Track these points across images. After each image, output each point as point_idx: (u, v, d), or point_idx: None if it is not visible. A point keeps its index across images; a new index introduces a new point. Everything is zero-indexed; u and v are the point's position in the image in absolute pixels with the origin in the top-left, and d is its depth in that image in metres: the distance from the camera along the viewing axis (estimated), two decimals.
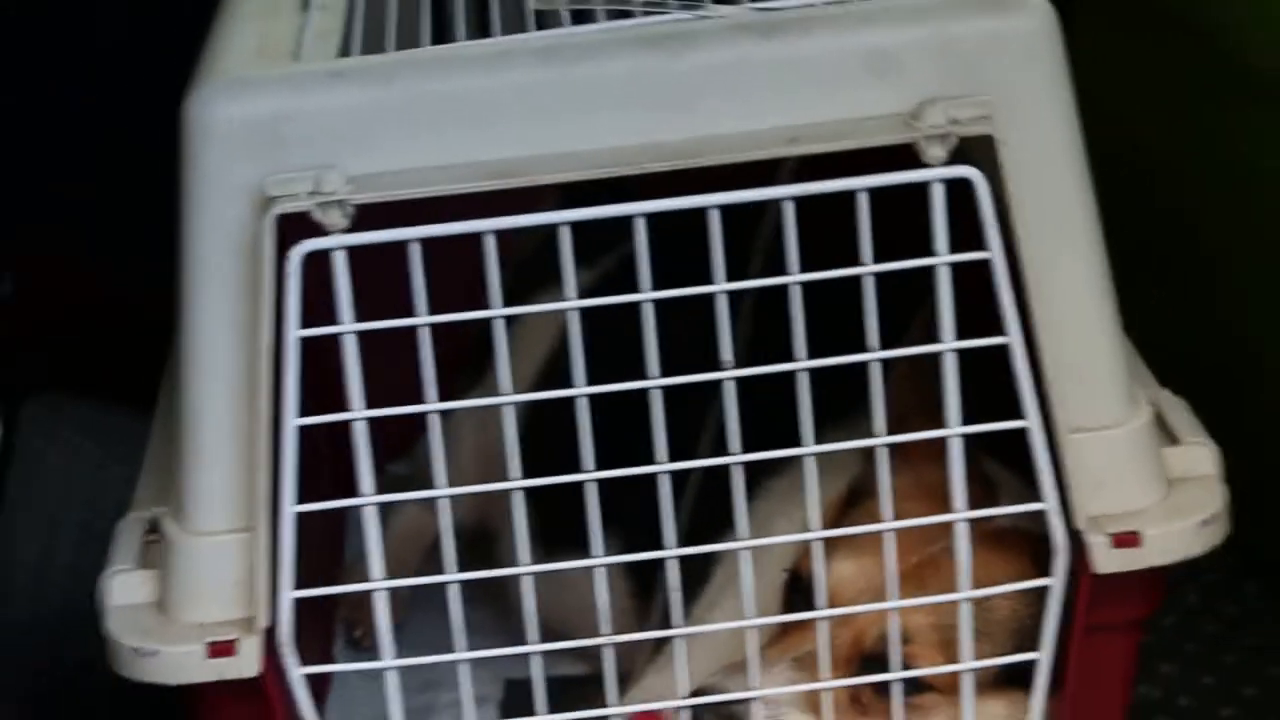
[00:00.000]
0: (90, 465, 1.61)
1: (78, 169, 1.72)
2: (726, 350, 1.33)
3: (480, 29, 1.41)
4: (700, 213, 1.30)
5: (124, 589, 1.39)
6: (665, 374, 1.33)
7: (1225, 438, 1.42)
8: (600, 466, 1.35)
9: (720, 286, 1.31)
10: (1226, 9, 1.67)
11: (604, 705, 1.43)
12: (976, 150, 1.31)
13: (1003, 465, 1.40)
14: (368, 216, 1.30)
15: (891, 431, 1.37)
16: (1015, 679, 1.40)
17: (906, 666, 1.39)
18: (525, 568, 1.39)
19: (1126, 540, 1.35)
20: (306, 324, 1.30)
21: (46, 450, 1.93)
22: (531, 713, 1.42)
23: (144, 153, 1.32)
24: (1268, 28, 1.60)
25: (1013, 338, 1.32)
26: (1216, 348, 1.66)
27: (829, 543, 1.40)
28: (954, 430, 1.34)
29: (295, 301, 1.30)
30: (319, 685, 1.41)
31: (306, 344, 1.31)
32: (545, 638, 1.40)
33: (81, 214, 1.77)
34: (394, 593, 1.38)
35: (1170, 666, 1.69)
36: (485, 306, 1.32)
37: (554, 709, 1.42)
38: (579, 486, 1.35)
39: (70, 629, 1.40)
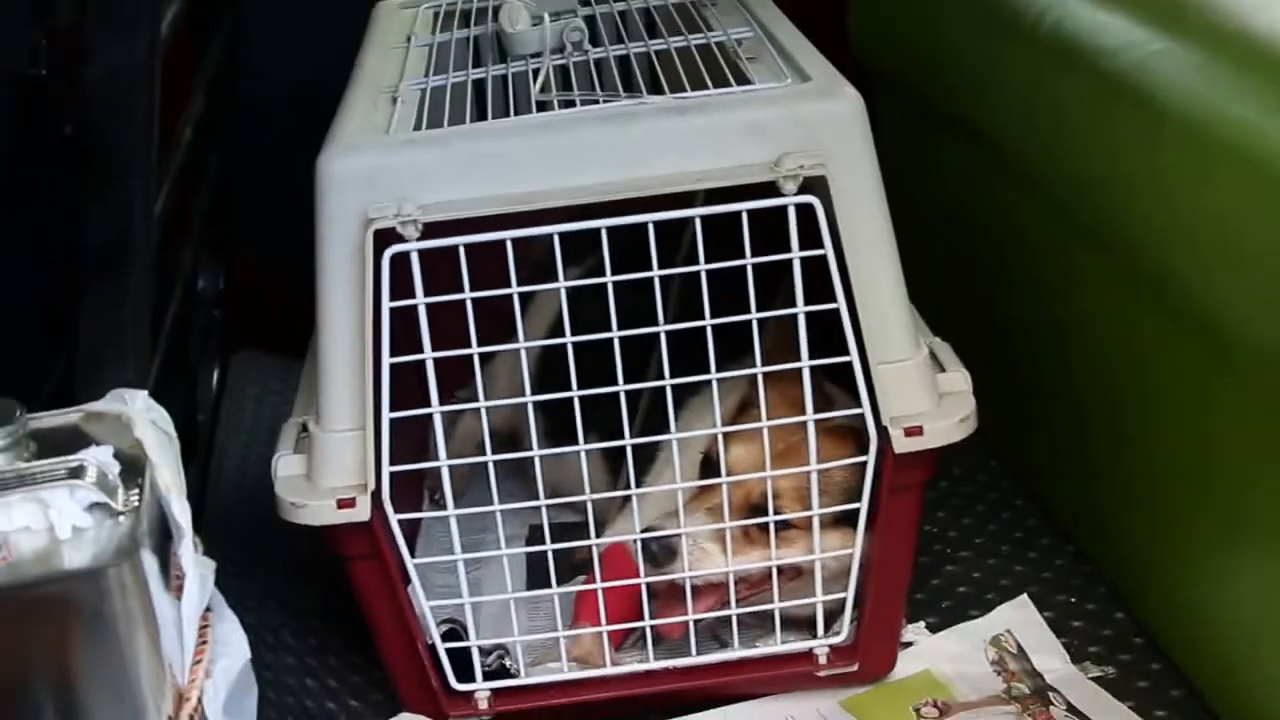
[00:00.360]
0: (270, 393, 1.60)
1: (264, 204, 1.70)
2: (660, 314, 1.35)
3: (505, 111, 1.43)
4: (644, 226, 1.31)
5: (286, 466, 1.41)
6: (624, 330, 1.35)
7: (982, 367, 1.42)
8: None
9: (655, 273, 1.33)
10: (995, 115, 1.65)
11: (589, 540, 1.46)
12: (816, 186, 1.32)
13: (836, 385, 1.41)
14: (434, 231, 1.32)
15: (766, 364, 1.37)
16: (846, 520, 1.40)
17: (777, 512, 1.40)
18: (537, 452, 1.39)
19: (913, 432, 1.37)
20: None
21: (245, 386, 1.94)
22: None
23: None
24: (1027, 132, 1.58)
25: (841, 304, 1.33)
26: (986, 323, 1.65)
27: (727, 434, 1.42)
28: (805, 363, 1.35)
29: (385, 284, 1.32)
30: (411, 529, 1.42)
31: (405, 314, 1.32)
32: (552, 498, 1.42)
33: (264, 232, 1.75)
34: (455, 470, 1.39)
35: (943, 513, 1.71)
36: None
37: (557, 542, 1.41)
38: (571, 402, 1.36)
39: (260, 495, 1.38)
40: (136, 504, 1.10)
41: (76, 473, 1.09)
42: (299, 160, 1.37)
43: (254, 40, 1.96)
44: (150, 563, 1.09)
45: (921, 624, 1.53)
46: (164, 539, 1.14)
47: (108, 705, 1.08)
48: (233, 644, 1.21)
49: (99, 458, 1.11)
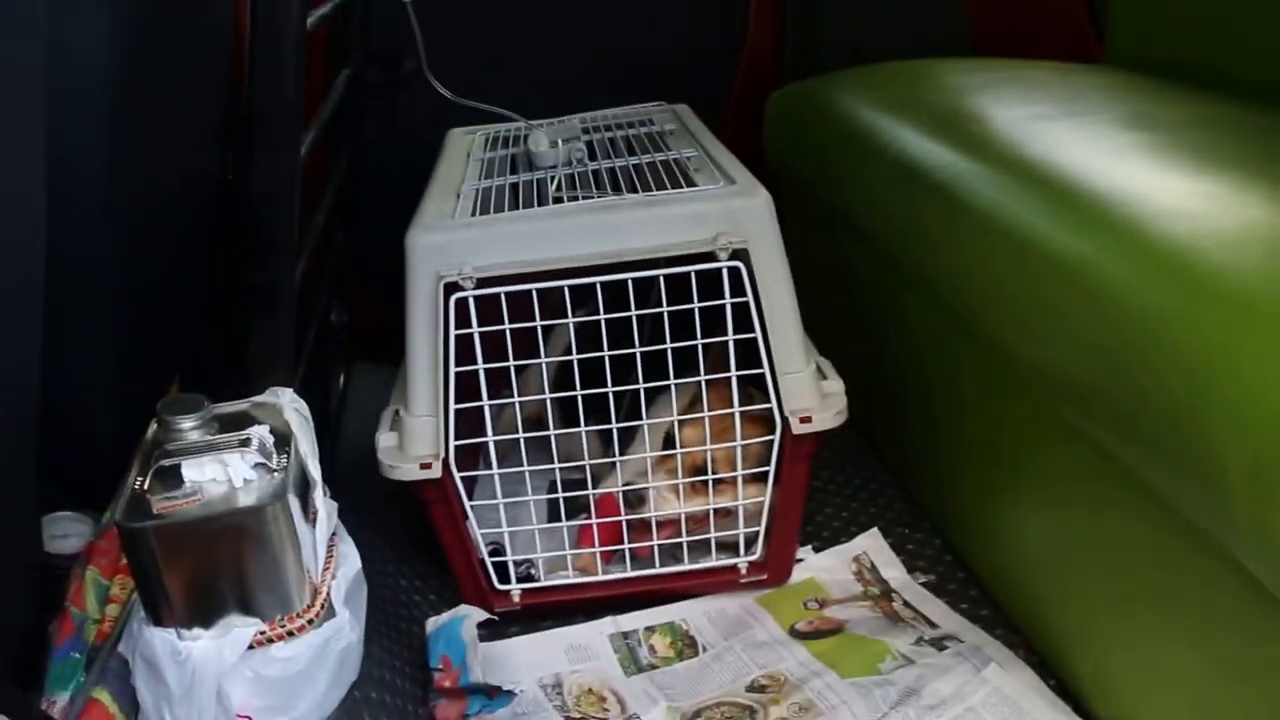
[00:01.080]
0: (377, 391, 1.60)
1: (376, 264, 1.70)
2: (636, 339, 1.34)
3: (532, 203, 1.41)
4: (626, 281, 1.32)
5: (385, 440, 1.40)
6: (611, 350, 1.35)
7: (853, 376, 1.42)
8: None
9: (633, 313, 1.33)
10: (861, 210, 1.64)
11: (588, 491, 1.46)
12: (741, 255, 1.32)
13: (755, 388, 1.39)
14: (485, 284, 1.32)
15: (708, 374, 1.38)
16: (760, 479, 1.41)
17: (714, 473, 1.40)
18: (554, 431, 1.40)
19: (805, 420, 1.36)
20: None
21: (360, 386, 1.93)
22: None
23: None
24: (882, 222, 1.57)
25: (758, 333, 1.34)
26: (856, 347, 1.66)
27: (681, 421, 1.41)
28: (733, 373, 1.35)
29: (452, 319, 1.32)
30: (469, 482, 1.43)
31: (465, 338, 1.33)
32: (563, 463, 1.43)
33: (375, 282, 1.75)
34: (499, 443, 1.40)
35: (826, 472, 1.69)
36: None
37: (567, 492, 1.43)
38: (577, 398, 1.37)
39: (369, 460, 1.39)
40: (286, 464, 1.10)
41: (246, 443, 1.09)
42: (398, 235, 1.37)
43: (371, 155, 1.96)
44: (294, 503, 1.09)
45: (809, 547, 1.53)
46: (304, 487, 1.14)
47: (268, 596, 1.08)
48: (350, 557, 1.20)
49: (260, 433, 1.11)
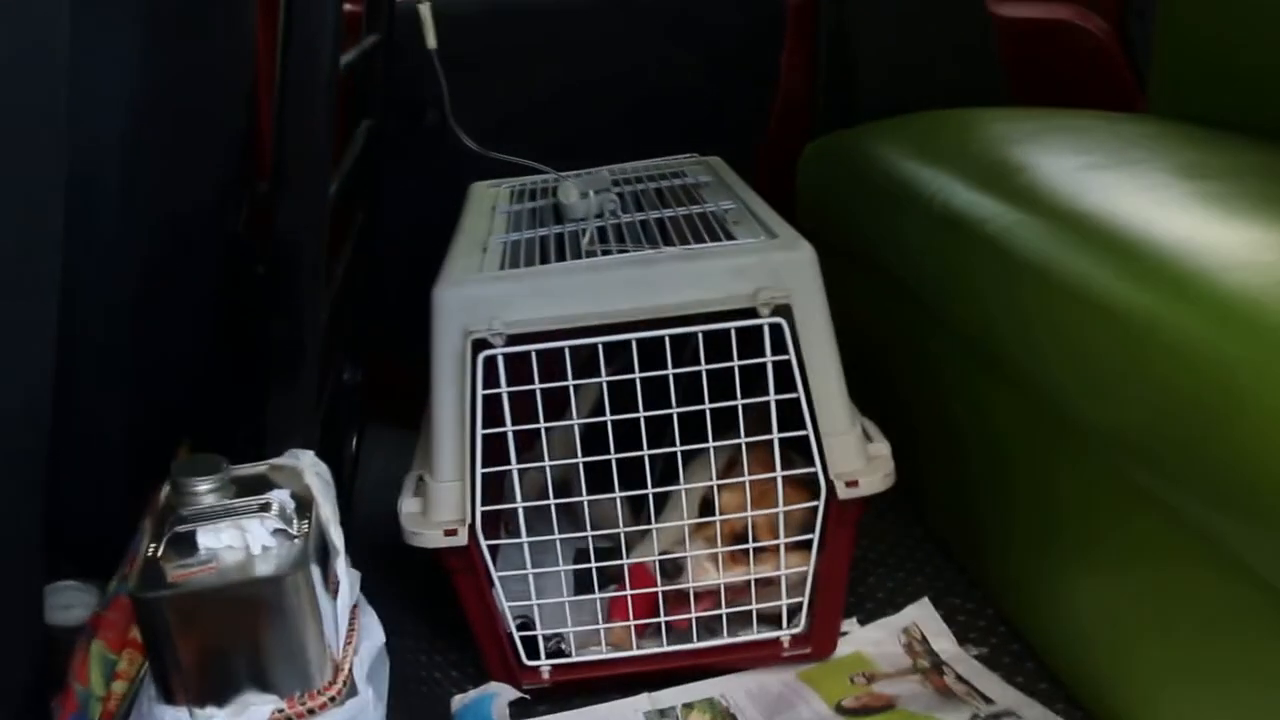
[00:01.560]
0: (393, 455, 1.57)
1: (391, 320, 1.68)
2: (672, 399, 1.31)
3: (562, 257, 1.39)
4: (662, 338, 1.30)
5: (408, 506, 1.37)
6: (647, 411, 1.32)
7: (900, 438, 1.39)
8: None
9: (670, 371, 1.30)
10: (902, 264, 1.62)
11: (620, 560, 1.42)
12: (782, 311, 1.30)
13: (796, 451, 1.35)
14: (515, 340, 1.29)
15: (748, 436, 1.34)
16: (803, 546, 1.36)
17: (755, 540, 1.36)
18: (585, 498, 1.37)
19: (852, 484, 1.33)
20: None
21: (375, 450, 1.90)
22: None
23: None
24: (924, 276, 1.55)
25: (800, 393, 1.31)
26: (900, 407, 1.61)
27: (720, 485, 1.37)
28: (775, 435, 1.32)
29: (480, 378, 1.30)
30: (494, 551, 1.38)
31: (493, 398, 1.30)
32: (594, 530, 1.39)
33: (390, 340, 1.73)
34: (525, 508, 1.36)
35: (866, 540, 1.63)
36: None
37: (598, 562, 1.38)
38: (609, 459, 1.34)
39: (385, 525, 1.35)
40: (306, 530, 1.06)
41: (265, 508, 1.06)
42: (418, 290, 1.34)
43: (391, 209, 1.95)
44: (315, 572, 1.05)
45: (854, 619, 1.49)
46: (325, 555, 1.10)
47: (285, 671, 1.04)
48: (372, 631, 1.17)
49: (280, 497, 1.08)
